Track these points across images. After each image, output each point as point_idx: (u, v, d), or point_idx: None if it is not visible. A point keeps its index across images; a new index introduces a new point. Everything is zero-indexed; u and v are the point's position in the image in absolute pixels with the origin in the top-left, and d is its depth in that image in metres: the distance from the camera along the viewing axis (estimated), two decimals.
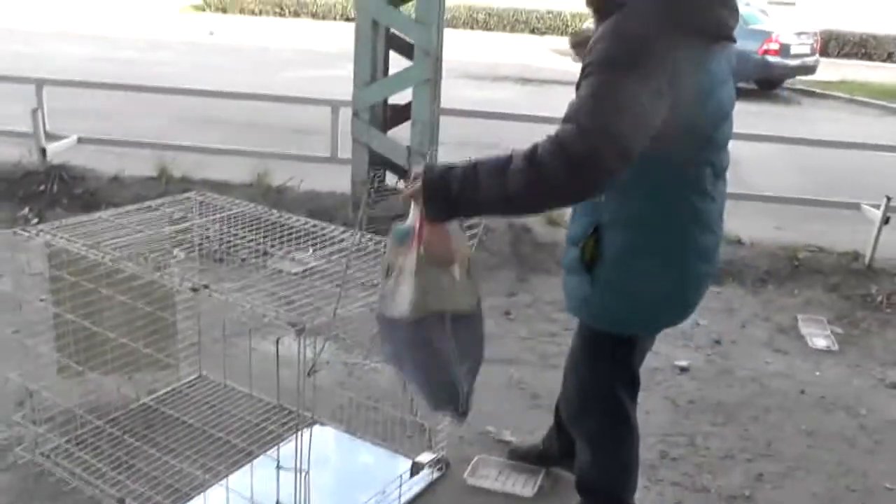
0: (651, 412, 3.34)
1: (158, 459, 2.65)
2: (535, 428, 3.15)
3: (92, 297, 2.72)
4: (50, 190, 5.69)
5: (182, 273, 2.57)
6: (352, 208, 4.94)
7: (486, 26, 22.61)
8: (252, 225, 2.86)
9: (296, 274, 2.42)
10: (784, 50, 14.45)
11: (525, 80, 14.14)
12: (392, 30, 4.95)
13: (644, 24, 1.86)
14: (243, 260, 2.85)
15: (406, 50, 5.01)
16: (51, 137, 6.05)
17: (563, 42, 19.18)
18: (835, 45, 19.98)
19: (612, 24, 1.88)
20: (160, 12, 22.37)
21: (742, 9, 15.20)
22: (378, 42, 4.86)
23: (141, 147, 6.30)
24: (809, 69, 15.22)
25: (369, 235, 2.50)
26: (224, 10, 23.55)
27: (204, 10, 23.71)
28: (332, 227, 2.81)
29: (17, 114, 6.14)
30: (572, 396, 2.46)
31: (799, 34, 15.04)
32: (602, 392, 2.35)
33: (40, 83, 6.22)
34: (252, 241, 2.77)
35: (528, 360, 3.80)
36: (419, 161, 4.85)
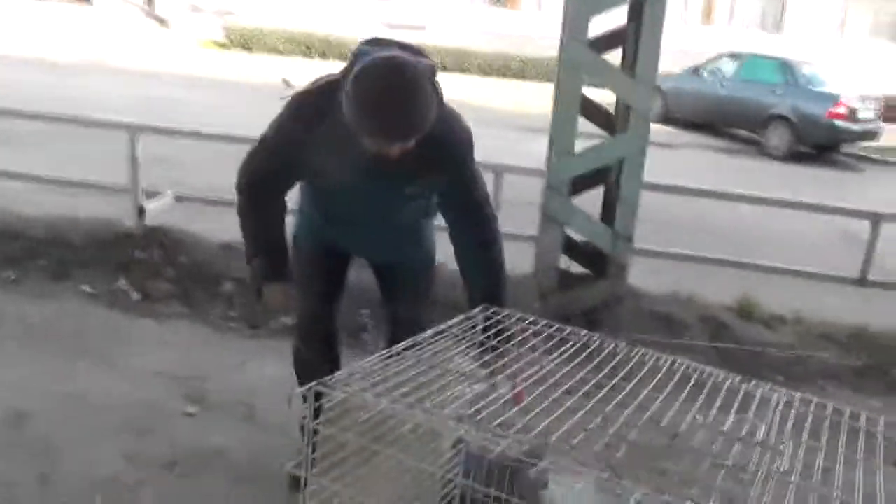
0: None
1: None
2: None
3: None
4: (151, 258, 4.85)
5: None
6: (538, 297, 4.08)
7: None
8: None
9: None
10: (851, 114, 13.86)
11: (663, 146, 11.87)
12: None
13: None
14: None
15: (594, 115, 4.22)
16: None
17: None
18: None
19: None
20: (180, 46, 21.46)
21: (806, 69, 14.54)
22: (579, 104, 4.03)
23: None
24: (871, 134, 14.64)
25: None
26: (249, 49, 22.72)
27: (227, 47, 22.88)
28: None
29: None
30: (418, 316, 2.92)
31: (864, 98, 14.48)
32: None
33: (134, 130, 5.28)
34: None
35: None
36: (624, 249, 4.05)
